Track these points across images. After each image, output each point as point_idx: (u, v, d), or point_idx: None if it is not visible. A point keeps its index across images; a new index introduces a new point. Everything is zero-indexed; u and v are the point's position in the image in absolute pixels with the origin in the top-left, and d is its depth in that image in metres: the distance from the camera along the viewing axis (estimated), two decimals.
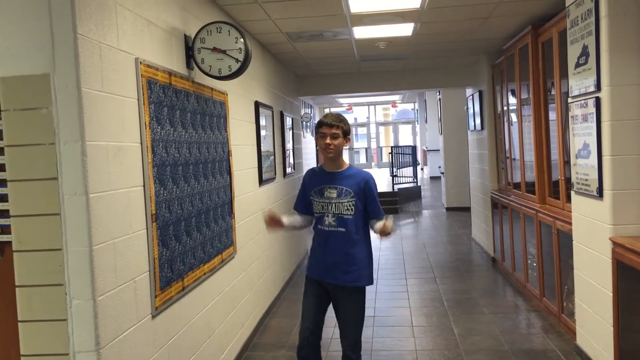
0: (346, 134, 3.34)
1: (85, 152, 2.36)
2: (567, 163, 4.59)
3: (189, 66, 3.62)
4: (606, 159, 3.58)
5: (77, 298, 2.38)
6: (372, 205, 3.37)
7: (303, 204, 3.52)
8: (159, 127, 3.07)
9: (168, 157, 3.18)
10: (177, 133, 3.33)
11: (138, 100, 2.86)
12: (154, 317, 2.94)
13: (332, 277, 3.36)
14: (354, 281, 3.34)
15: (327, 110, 27.61)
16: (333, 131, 3.29)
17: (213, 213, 3.94)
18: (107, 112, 2.56)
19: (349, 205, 3.31)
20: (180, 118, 3.40)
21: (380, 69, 8.70)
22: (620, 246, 3.42)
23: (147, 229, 2.90)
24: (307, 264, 3.56)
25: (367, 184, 3.35)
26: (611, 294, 3.57)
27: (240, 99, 4.96)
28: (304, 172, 9.81)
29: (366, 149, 27.17)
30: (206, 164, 3.82)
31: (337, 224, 3.32)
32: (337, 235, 3.33)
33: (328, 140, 3.29)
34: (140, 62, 2.88)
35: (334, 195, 3.33)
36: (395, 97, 20.62)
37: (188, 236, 3.45)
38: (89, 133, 2.38)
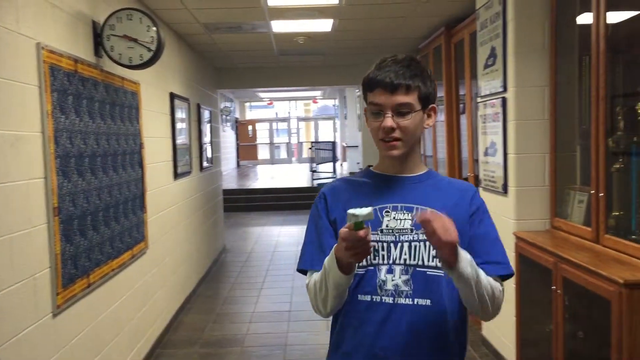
0: (427, 100, 1.56)
1: None
2: (476, 161, 4.76)
3: (97, 54, 3.47)
4: (511, 157, 3.74)
5: None
6: (489, 248, 1.58)
7: (324, 255, 1.55)
8: (62, 116, 2.92)
9: (73, 148, 3.03)
10: (83, 123, 3.18)
11: (40, 87, 2.71)
12: (55, 315, 2.80)
13: None
14: None
15: (247, 105, 26.89)
16: (400, 99, 1.51)
17: (123, 207, 3.80)
18: (4, 99, 2.40)
19: None
20: (87, 107, 3.25)
21: (300, 64, 8.71)
22: (523, 240, 3.58)
23: (48, 223, 2.75)
24: None
25: (476, 200, 1.63)
26: (514, 286, 3.73)
27: (154, 90, 4.82)
28: (223, 166, 9.50)
29: (287, 144, 27.16)
30: (116, 156, 3.68)
31: (415, 288, 1.53)
32: (411, 315, 1.52)
33: (390, 122, 1.51)
34: (42, 48, 2.72)
35: (407, 224, 1.55)
36: (316, 93, 20.74)
37: (95, 231, 3.31)
38: None
